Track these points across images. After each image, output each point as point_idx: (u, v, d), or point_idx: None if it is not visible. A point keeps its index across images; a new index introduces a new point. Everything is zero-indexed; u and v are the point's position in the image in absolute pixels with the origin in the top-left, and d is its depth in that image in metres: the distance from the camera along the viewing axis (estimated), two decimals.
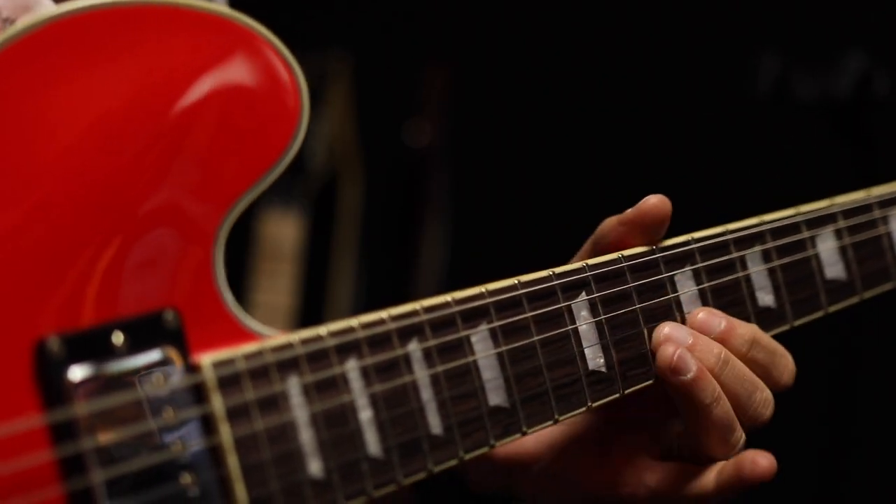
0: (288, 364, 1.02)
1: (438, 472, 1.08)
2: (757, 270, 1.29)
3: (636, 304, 1.22)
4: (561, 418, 1.16)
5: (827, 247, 1.35)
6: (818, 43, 3.42)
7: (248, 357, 1.01)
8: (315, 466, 1.02)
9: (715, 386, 1.20)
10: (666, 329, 1.22)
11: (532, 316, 1.15)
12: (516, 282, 1.16)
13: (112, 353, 0.98)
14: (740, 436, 1.22)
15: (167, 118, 1.03)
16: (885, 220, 1.40)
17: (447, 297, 1.11)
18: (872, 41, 3.34)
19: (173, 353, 1.01)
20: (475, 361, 1.11)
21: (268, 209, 3.65)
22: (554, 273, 1.18)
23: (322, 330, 1.04)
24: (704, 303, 1.26)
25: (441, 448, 1.08)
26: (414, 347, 1.08)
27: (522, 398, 1.13)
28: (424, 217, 3.85)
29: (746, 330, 1.24)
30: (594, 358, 1.18)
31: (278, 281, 3.63)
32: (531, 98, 3.83)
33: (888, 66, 3.30)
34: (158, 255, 1.02)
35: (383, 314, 1.08)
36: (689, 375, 1.19)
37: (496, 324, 1.13)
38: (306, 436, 1.02)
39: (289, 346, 1.03)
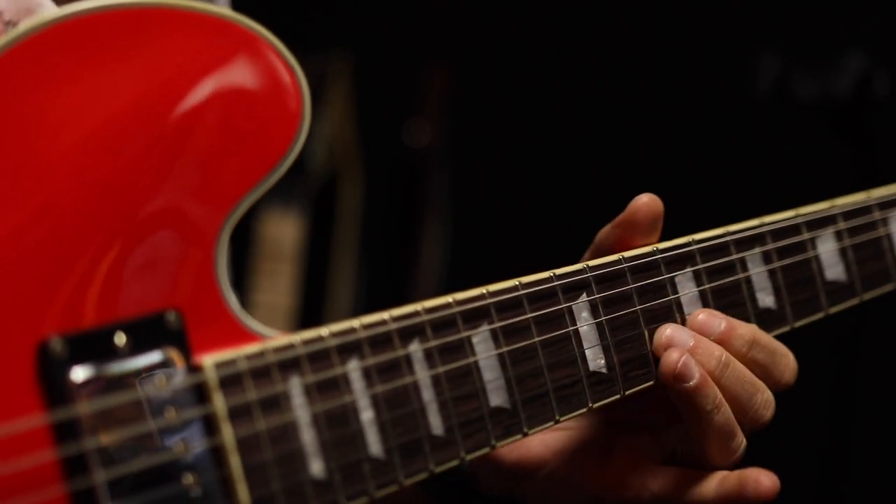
0: (289, 364, 1.02)
1: (439, 472, 1.09)
2: (757, 272, 1.30)
3: (637, 306, 1.22)
4: (562, 419, 1.16)
5: (827, 248, 1.35)
6: (818, 43, 3.43)
7: (250, 357, 1.01)
8: (317, 467, 1.02)
9: (716, 393, 1.20)
10: (668, 331, 1.22)
11: (533, 317, 1.15)
12: (517, 283, 1.16)
13: (114, 353, 0.99)
14: (741, 441, 1.23)
15: (169, 120, 1.03)
16: (885, 221, 1.40)
17: (448, 298, 1.11)
18: (872, 41, 3.34)
19: (175, 354, 1.01)
20: (476, 362, 1.12)
21: (268, 209, 3.65)
22: (555, 274, 1.18)
23: (323, 330, 1.05)
24: (705, 304, 1.26)
25: (442, 449, 1.08)
26: (415, 348, 1.08)
27: (523, 399, 1.14)
28: (424, 217, 3.86)
29: (746, 330, 1.24)
30: (595, 359, 1.19)
31: (278, 281, 3.64)
32: (531, 98, 3.83)
33: (888, 66, 3.30)
34: (160, 257, 1.02)
35: (385, 315, 1.08)
36: (692, 382, 1.19)
37: (497, 325, 1.13)
38: (308, 436, 1.02)
39: (290, 346, 1.03)
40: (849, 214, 1.37)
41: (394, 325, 1.08)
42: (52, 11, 1.01)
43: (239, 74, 1.06)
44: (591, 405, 1.18)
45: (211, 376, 1.00)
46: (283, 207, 3.66)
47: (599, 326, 1.19)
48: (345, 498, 1.03)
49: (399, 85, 3.91)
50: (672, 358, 1.19)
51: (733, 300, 1.28)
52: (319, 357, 1.04)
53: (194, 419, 0.99)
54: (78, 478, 0.94)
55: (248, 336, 1.05)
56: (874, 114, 3.33)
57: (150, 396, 0.99)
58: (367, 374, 1.05)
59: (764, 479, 1.23)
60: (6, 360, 0.95)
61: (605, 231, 1.26)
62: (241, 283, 3.57)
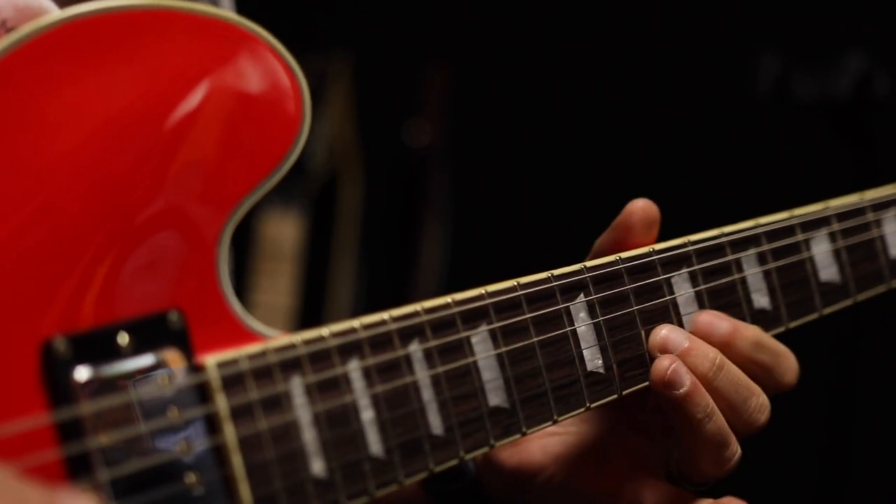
0: (291, 364, 1.03)
1: (439, 471, 1.09)
2: (752, 273, 1.30)
3: (633, 306, 1.23)
4: (560, 419, 1.17)
5: (821, 249, 1.36)
6: (818, 43, 3.43)
7: (252, 357, 1.02)
8: (318, 466, 1.03)
9: (708, 401, 1.19)
10: (663, 332, 1.22)
11: (531, 317, 1.16)
12: (515, 283, 1.16)
13: (117, 353, 0.99)
14: (735, 451, 1.22)
15: (170, 121, 1.03)
16: (878, 223, 1.41)
17: (447, 299, 1.12)
18: (872, 41, 3.34)
19: (178, 354, 1.02)
20: (475, 362, 1.13)
21: (268, 209, 3.65)
22: (553, 275, 1.19)
23: (324, 331, 1.05)
24: (701, 305, 1.26)
25: (442, 448, 1.09)
26: (415, 348, 1.09)
27: (522, 399, 1.14)
28: (424, 217, 3.86)
29: (751, 332, 1.24)
30: (592, 359, 1.19)
31: (278, 281, 3.64)
32: (531, 98, 3.83)
33: (888, 66, 3.31)
34: (162, 257, 1.03)
35: (385, 315, 1.08)
36: (683, 390, 1.18)
37: (496, 325, 1.14)
38: (309, 435, 1.03)
39: (291, 346, 1.04)
40: (843, 216, 1.38)
41: (394, 326, 1.08)
42: (53, 14, 1.02)
43: (239, 76, 1.06)
44: (588, 405, 1.19)
45: (213, 376, 1.01)
46: (283, 207, 3.66)
47: (597, 327, 1.20)
48: (345, 497, 1.04)
49: (399, 85, 3.92)
50: (662, 365, 1.19)
51: (729, 301, 1.28)
52: (320, 357, 1.04)
53: (196, 419, 1.00)
54: (82, 477, 0.95)
55: (249, 336, 1.05)
56: (874, 114, 3.33)
57: (153, 396, 0.99)
58: (367, 373, 1.06)
59: None
60: (8, 360, 0.95)
61: (602, 237, 1.27)
62: (241, 283, 3.57)
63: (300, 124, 1.08)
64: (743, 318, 1.28)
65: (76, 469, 0.95)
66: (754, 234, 1.31)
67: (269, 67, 1.08)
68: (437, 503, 1.32)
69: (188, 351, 1.02)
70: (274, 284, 3.64)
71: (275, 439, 1.01)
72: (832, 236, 1.36)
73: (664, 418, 1.25)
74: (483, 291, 1.14)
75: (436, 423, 1.09)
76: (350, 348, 1.06)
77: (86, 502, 0.90)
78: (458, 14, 3.88)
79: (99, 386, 0.98)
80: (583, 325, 1.19)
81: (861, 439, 3.44)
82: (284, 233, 3.67)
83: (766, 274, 1.31)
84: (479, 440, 1.12)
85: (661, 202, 1.29)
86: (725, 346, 1.23)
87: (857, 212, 1.39)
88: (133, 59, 1.03)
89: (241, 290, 3.56)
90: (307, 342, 1.04)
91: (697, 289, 1.27)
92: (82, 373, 0.97)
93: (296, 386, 1.03)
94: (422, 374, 1.09)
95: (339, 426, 1.04)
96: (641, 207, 1.25)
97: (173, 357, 1.01)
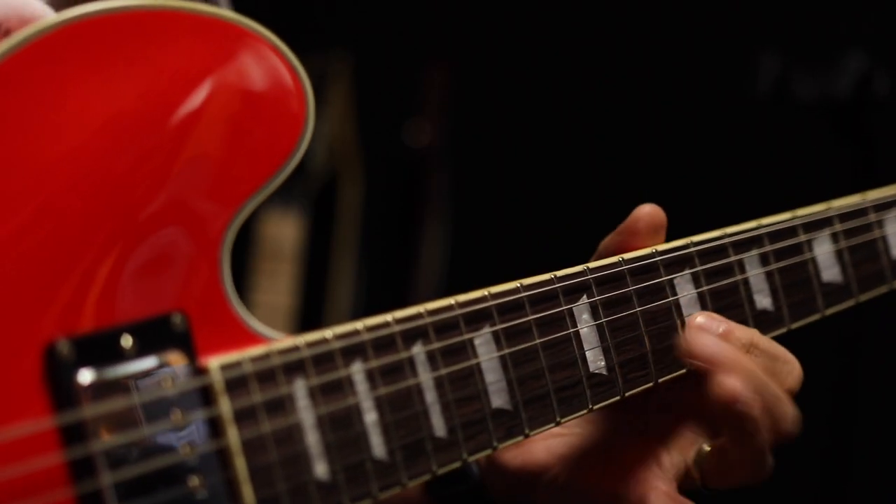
0: (294, 367, 1.03)
1: (442, 473, 1.09)
2: (755, 274, 1.30)
3: (636, 308, 1.23)
4: (562, 420, 1.17)
5: (823, 250, 1.36)
6: (818, 43, 3.43)
7: (255, 360, 1.02)
8: (321, 468, 1.03)
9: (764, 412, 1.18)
10: (699, 319, 1.22)
11: (534, 319, 1.16)
12: (518, 285, 1.16)
13: (121, 355, 0.99)
14: (771, 460, 1.21)
15: (172, 122, 1.03)
16: (880, 223, 1.41)
17: (451, 300, 1.12)
18: (872, 41, 3.34)
19: (181, 356, 1.02)
20: (478, 364, 1.13)
21: (268, 209, 3.65)
22: (555, 276, 1.19)
23: (327, 333, 1.05)
24: (703, 306, 1.26)
25: (445, 450, 1.09)
26: (418, 350, 1.09)
27: (525, 400, 1.14)
28: (424, 217, 3.86)
29: (744, 333, 1.24)
30: (595, 360, 1.19)
31: (278, 281, 3.64)
32: (531, 98, 3.83)
33: (888, 66, 3.31)
34: (165, 259, 1.03)
35: (388, 317, 1.08)
36: (748, 404, 1.17)
37: (499, 327, 1.14)
38: (312, 438, 1.03)
39: (295, 348, 1.04)
40: (845, 216, 1.38)
41: (397, 328, 1.08)
42: (54, 16, 1.02)
43: (242, 75, 1.06)
44: (591, 406, 1.19)
45: (216, 379, 1.01)
46: (283, 207, 3.66)
47: (600, 328, 1.20)
48: (349, 499, 1.04)
49: (399, 85, 3.92)
50: (731, 382, 1.17)
51: (731, 302, 1.28)
52: (323, 359, 1.04)
53: (200, 421, 1.00)
54: (85, 480, 0.95)
55: (252, 338, 1.05)
56: (874, 114, 3.33)
57: (156, 399, 0.99)
58: (370, 376, 1.06)
59: None
60: (12, 363, 0.95)
61: (608, 239, 1.27)
62: (241, 283, 3.57)
63: (304, 123, 1.08)
64: (745, 320, 1.28)
65: (80, 472, 0.95)
66: (757, 234, 1.31)
67: (271, 66, 1.08)
68: (434, 499, 1.32)
69: (191, 353, 1.02)
70: (274, 284, 3.64)
71: (278, 442, 1.01)
72: (834, 237, 1.36)
73: (668, 419, 1.25)
74: (486, 293, 1.14)
75: (439, 425, 1.09)
76: (353, 350, 1.06)
77: None
78: (458, 14, 3.87)
79: (102, 388, 0.98)
80: (586, 327, 1.20)
81: (863, 440, 3.44)
82: (284, 233, 3.67)
83: (769, 275, 1.31)
84: (482, 442, 1.12)
85: (661, 202, 1.29)
86: None
87: (860, 212, 1.39)
88: (135, 59, 1.03)
89: (242, 290, 3.55)
90: (310, 344, 1.04)
91: (700, 290, 1.27)
92: (86, 375, 0.97)
93: (299, 388, 1.03)
94: (425, 377, 1.09)
95: (342, 428, 1.04)
96: (648, 213, 1.25)
97: (176, 359, 1.01)
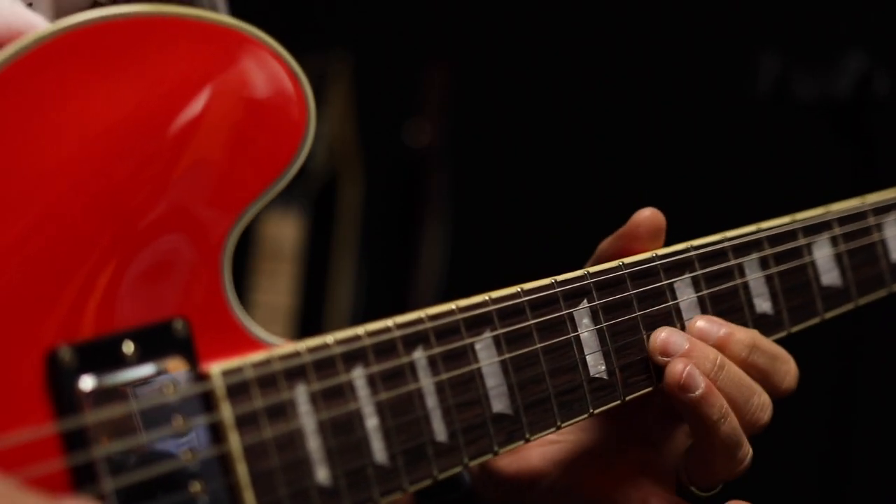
0: (295, 372, 1.03)
1: (442, 478, 1.10)
2: (755, 277, 1.31)
3: (636, 312, 1.23)
4: (563, 425, 1.17)
5: (823, 254, 1.36)
6: (818, 43, 3.43)
7: (257, 365, 1.02)
8: (322, 474, 1.03)
9: (722, 402, 1.20)
10: (662, 334, 1.22)
11: (535, 323, 1.16)
12: (519, 289, 1.17)
13: (122, 362, 0.99)
14: (747, 451, 1.23)
15: (173, 128, 1.03)
16: (879, 227, 1.41)
17: (451, 305, 1.12)
18: (872, 41, 3.34)
19: (182, 362, 1.02)
20: (479, 369, 1.13)
21: (268, 209, 3.65)
22: (556, 281, 1.19)
23: (329, 338, 1.06)
24: (703, 310, 1.27)
25: (446, 455, 1.10)
26: (419, 355, 1.09)
27: (525, 405, 1.15)
28: (424, 217, 3.86)
29: (745, 335, 1.25)
30: (595, 365, 1.20)
31: (278, 281, 3.64)
32: (531, 98, 3.83)
33: (888, 66, 3.31)
34: (166, 265, 1.03)
35: (389, 322, 1.09)
36: (698, 392, 1.19)
37: (499, 331, 1.14)
38: (314, 443, 1.03)
39: (296, 354, 1.04)
40: (844, 220, 1.38)
41: (398, 333, 1.09)
42: (54, 24, 1.02)
43: (243, 81, 1.06)
44: (591, 411, 1.19)
45: (218, 384, 1.01)
46: (283, 207, 3.66)
47: (600, 332, 1.20)
48: None
49: (399, 85, 3.92)
50: (676, 368, 1.19)
51: (731, 306, 1.29)
52: (325, 365, 1.05)
53: (201, 427, 1.00)
54: (87, 487, 0.95)
55: (253, 344, 1.05)
56: (874, 114, 3.33)
57: (157, 405, 1.00)
58: (371, 381, 1.06)
59: None
60: (14, 370, 0.95)
61: (606, 242, 1.27)
62: (241, 283, 3.57)
63: (305, 129, 1.09)
64: (745, 323, 1.29)
65: (81, 479, 0.95)
66: (756, 238, 1.31)
67: (272, 73, 1.08)
68: None
69: (193, 359, 1.02)
70: (274, 284, 3.64)
71: (279, 447, 1.02)
72: (833, 240, 1.37)
73: (667, 425, 1.25)
74: (486, 298, 1.15)
75: (440, 430, 1.10)
76: (354, 356, 1.06)
77: None
78: (458, 14, 3.88)
79: (103, 395, 0.98)
80: (586, 331, 1.20)
81: (862, 443, 3.44)
82: (284, 233, 3.67)
83: (768, 278, 1.31)
84: (483, 447, 1.12)
85: (661, 202, 1.29)
86: (720, 350, 1.23)
87: (859, 216, 1.39)
88: (135, 65, 1.03)
89: (241, 290, 3.56)
90: (311, 350, 1.04)
91: (700, 294, 1.27)
92: (87, 382, 0.97)
93: (300, 394, 1.03)
94: (426, 381, 1.09)
95: (343, 434, 1.04)
96: (648, 217, 1.25)
97: (178, 365, 1.02)
